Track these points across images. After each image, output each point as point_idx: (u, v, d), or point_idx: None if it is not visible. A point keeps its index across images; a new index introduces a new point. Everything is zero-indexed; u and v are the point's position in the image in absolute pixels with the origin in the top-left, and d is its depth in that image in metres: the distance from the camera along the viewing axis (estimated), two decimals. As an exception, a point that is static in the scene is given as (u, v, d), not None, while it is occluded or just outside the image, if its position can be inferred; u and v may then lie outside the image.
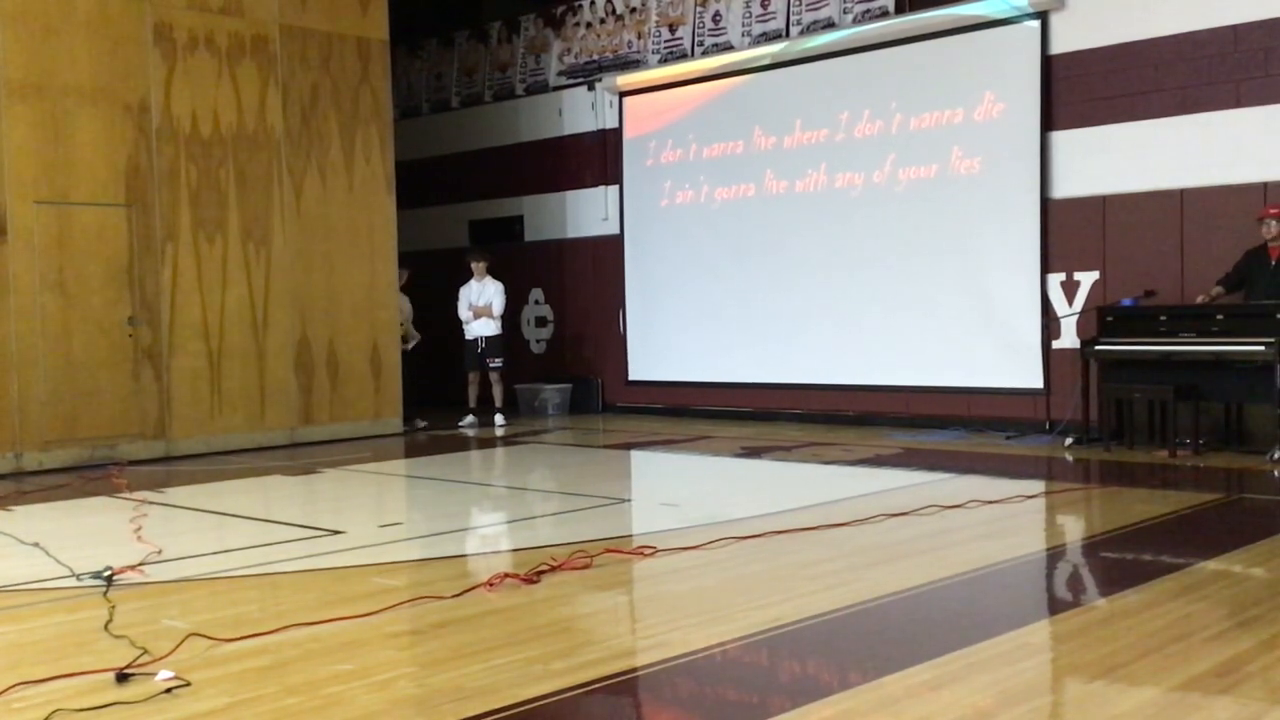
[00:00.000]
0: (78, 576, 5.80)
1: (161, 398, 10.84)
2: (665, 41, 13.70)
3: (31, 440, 10.03)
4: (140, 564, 6.02)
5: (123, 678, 4.09)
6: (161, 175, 10.83)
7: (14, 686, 4.03)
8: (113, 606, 5.15)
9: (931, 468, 9.03)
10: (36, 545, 6.64)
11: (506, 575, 5.52)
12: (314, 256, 11.88)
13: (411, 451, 11.32)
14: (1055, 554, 6.33)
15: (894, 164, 11.87)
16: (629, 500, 8.42)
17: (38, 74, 10.07)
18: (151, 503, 8.19)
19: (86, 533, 7.19)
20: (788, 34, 12.62)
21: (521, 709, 3.74)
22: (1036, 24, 10.88)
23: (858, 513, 7.00)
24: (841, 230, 12.27)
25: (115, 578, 5.71)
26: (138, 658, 4.32)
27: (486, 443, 11.85)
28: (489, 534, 7.41)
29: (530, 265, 14.98)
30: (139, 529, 7.09)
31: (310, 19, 11.88)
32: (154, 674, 4.12)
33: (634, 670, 4.23)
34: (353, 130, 12.22)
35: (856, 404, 12.19)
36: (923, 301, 11.65)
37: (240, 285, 11.36)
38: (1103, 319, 10.03)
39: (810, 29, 12.45)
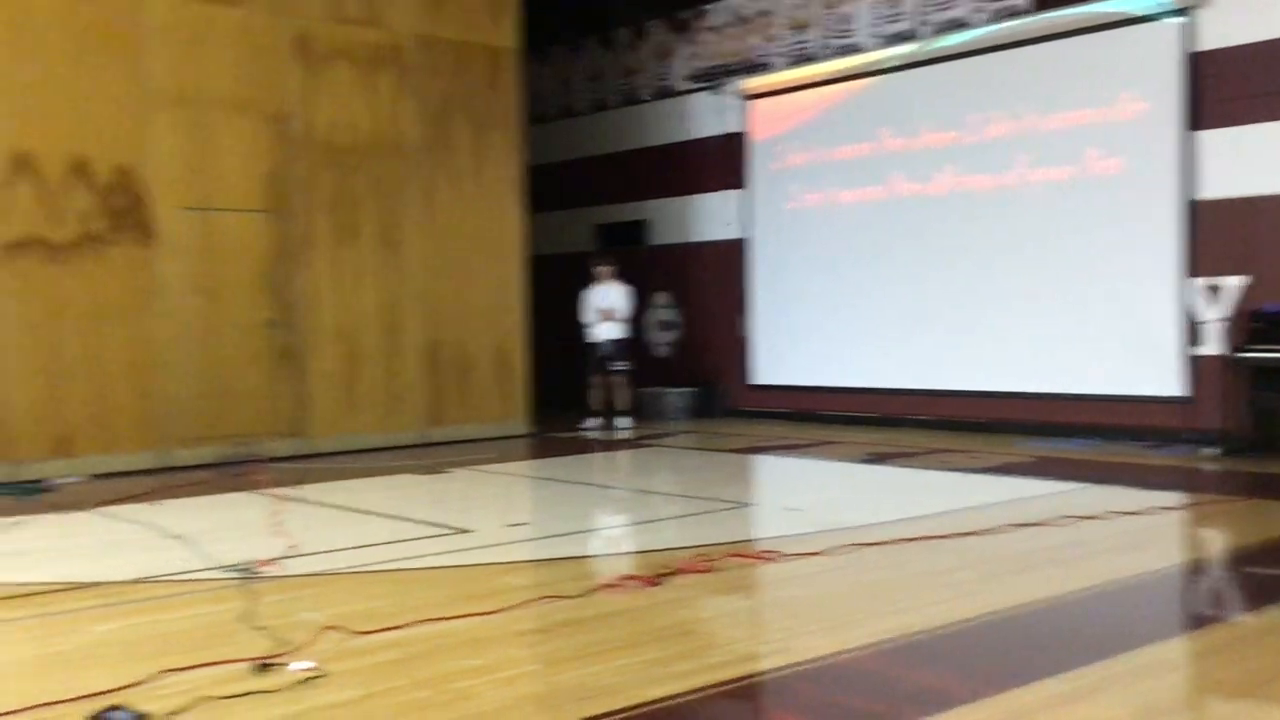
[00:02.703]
0: (219, 569, 6.02)
1: (299, 398, 11.19)
2: (792, 44, 13.63)
3: (177, 437, 10.44)
4: (279, 558, 6.22)
5: (262, 668, 4.24)
6: (300, 183, 11.18)
7: (160, 674, 4.20)
8: (253, 599, 5.34)
9: (1064, 477, 8.79)
10: (181, 538, 6.92)
11: (630, 577, 5.55)
12: (444, 261, 12.13)
13: (537, 453, 11.47)
14: (1196, 568, 6.11)
15: (1026, 165, 11.60)
16: (752, 505, 8.39)
17: (184, 85, 10.49)
18: (290, 499, 8.45)
19: (229, 527, 7.45)
20: (917, 34, 12.44)
21: (643, 710, 3.76)
22: (1178, 21, 10.51)
23: (987, 521, 6.85)
24: (971, 233, 12.04)
25: (255, 571, 5.91)
26: (276, 649, 4.47)
27: (610, 446, 11.93)
28: (612, 535, 7.47)
29: (655, 269, 15.04)
30: (278, 524, 7.32)
31: (443, 29, 12.13)
32: (290, 665, 4.26)
33: (757, 675, 4.22)
34: (483, 137, 12.44)
35: (985, 410, 11.93)
36: (1055, 306, 11.36)
37: (374, 289, 11.66)
38: (1251, 324, 9.65)
39: (941, 29, 12.25)
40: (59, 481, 9.51)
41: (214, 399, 10.63)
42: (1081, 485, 8.39)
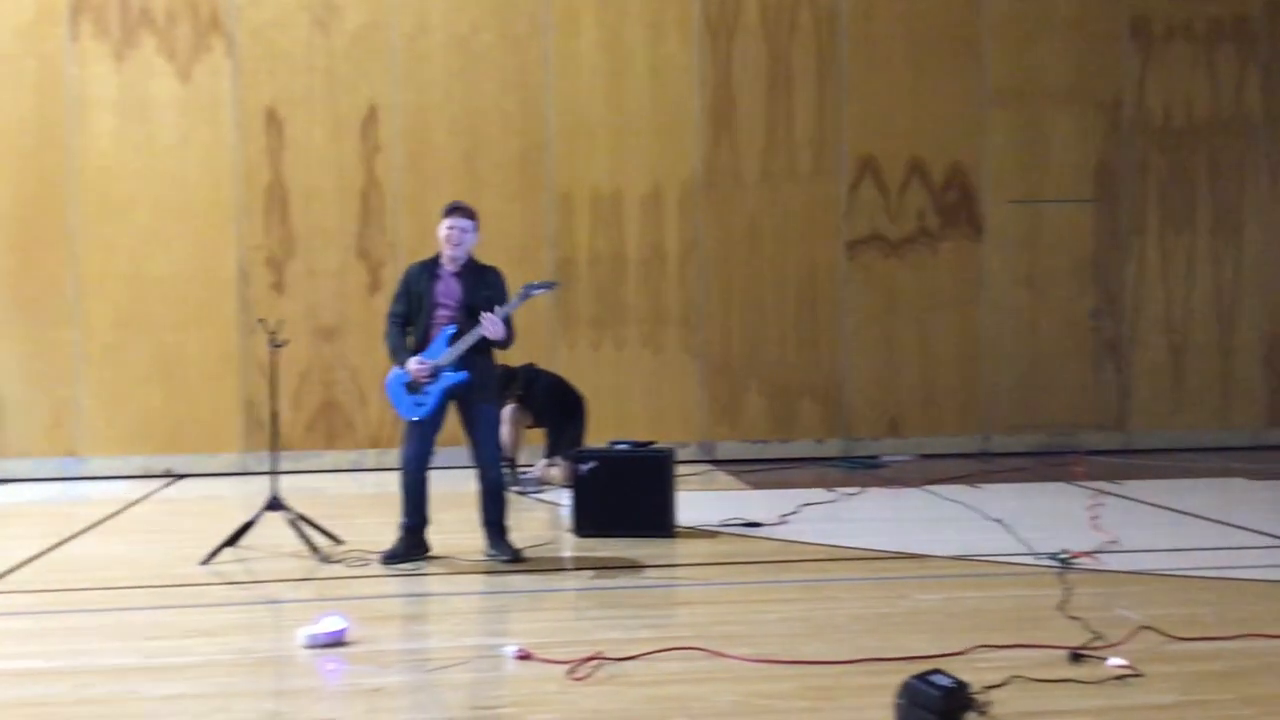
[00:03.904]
0: (1035, 555, 6.12)
1: (1121, 390, 10.90)
2: None
3: (998, 424, 10.76)
4: (1095, 551, 6.15)
5: (1076, 658, 4.25)
6: (1130, 169, 10.85)
7: (976, 648, 4.41)
8: (1068, 588, 5.35)
9: None
10: (999, 521, 7.14)
11: None
12: (1293, 247, 11.01)
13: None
14: None
15: None
16: None
17: (1018, 79, 10.72)
18: (1108, 493, 8.29)
19: (1044, 515, 7.51)
20: None
21: None
22: None
23: None
24: None
25: (1071, 561, 5.92)
26: (1090, 640, 4.45)
27: None
28: None
29: None
30: (1095, 517, 7.24)
31: (1298, -10, 10.97)
32: (1105, 659, 4.22)
33: None
34: (1343, 106, 11.03)
35: None
36: None
37: (1206, 278, 10.94)
38: None
39: None
40: (890, 458, 10.30)
41: (1034, 389, 10.77)
42: None
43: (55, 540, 7.01)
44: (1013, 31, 10.70)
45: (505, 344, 6.21)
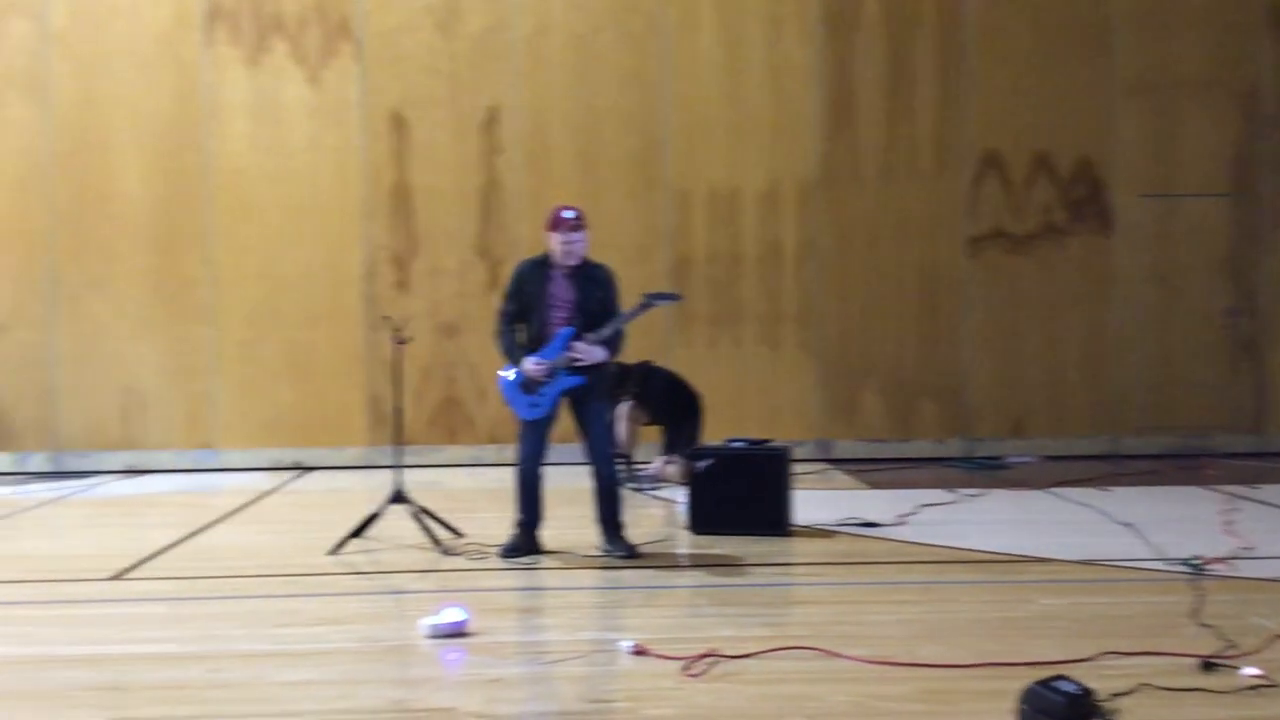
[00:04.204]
0: (1166, 561, 5.94)
1: (1257, 391, 10.50)
2: None
3: (1127, 425, 10.45)
4: (1229, 557, 5.94)
5: (1208, 666, 4.11)
6: (1269, 162, 10.44)
7: (1103, 654, 4.29)
8: (1200, 595, 5.18)
9: None
10: (1129, 525, 6.94)
11: None
12: None
13: None
14: None
15: None
16: None
17: (1150, 70, 10.40)
18: (1243, 497, 8.00)
19: (1176, 519, 7.27)
20: None
21: None
22: None
23: None
24: None
25: (1203, 567, 5.73)
26: (1223, 649, 4.30)
27: None
28: None
29: None
30: (1229, 522, 6.99)
31: None
32: (1239, 668, 4.07)
33: None
34: None
35: None
36: None
37: (1352, 275, 10.49)
38: None
39: None
40: (1013, 459, 10.09)
41: (1165, 389, 10.43)
42: None
43: (191, 529, 7.28)
44: (1144, 21, 10.40)
45: (610, 358, 6.23)
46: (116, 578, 5.97)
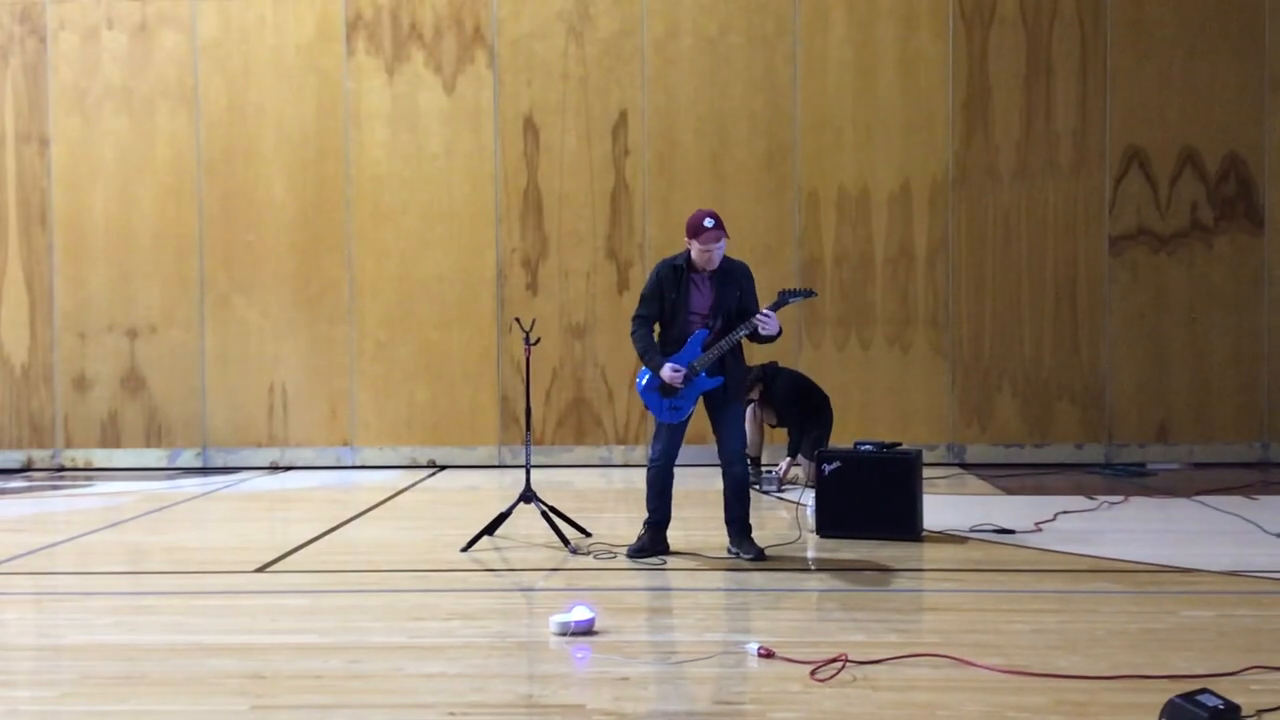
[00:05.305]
0: (1320, 573, 5.69)
1: None
2: None
3: (1277, 431, 10.01)
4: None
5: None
6: None
7: (1250, 668, 4.13)
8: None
9: None
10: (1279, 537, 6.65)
11: None
12: None
13: None
14: None
15: None
16: None
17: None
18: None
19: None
20: None
21: None
22: None
23: None
24: None
25: (1361, 581, 5.47)
26: (1382, 668, 4.10)
27: None
28: None
29: None
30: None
31: None
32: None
33: None
34: None
35: None
36: None
37: None
38: None
39: None
40: (1157, 466, 9.76)
41: (1321, 394, 9.99)
42: None
43: (331, 524, 7.52)
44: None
45: (775, 338, 6.22)
46: (261, 570, 6.19)
